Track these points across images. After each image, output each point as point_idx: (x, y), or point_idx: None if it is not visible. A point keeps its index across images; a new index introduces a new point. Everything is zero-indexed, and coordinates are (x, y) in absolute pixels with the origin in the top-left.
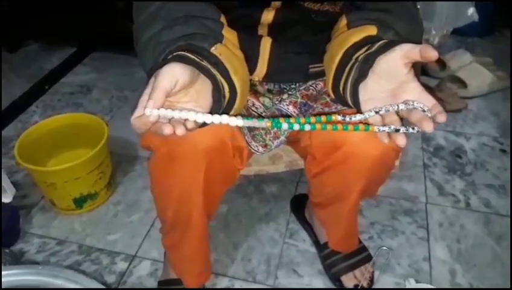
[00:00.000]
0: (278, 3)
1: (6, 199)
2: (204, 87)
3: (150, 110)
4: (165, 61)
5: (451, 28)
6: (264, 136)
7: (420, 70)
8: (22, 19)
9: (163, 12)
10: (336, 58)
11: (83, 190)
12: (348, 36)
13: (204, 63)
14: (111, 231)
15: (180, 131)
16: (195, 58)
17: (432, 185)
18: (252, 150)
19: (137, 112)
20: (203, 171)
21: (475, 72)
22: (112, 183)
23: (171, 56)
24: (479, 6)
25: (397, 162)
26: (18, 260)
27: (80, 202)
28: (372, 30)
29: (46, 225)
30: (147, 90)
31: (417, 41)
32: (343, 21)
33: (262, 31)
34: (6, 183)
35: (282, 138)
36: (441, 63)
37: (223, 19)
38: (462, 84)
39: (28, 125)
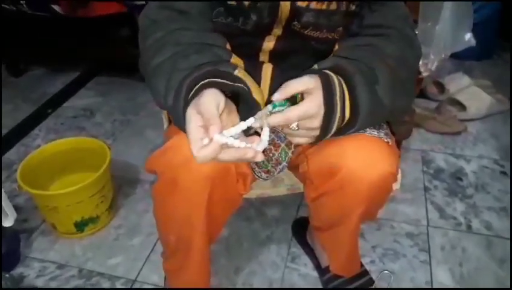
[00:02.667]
0: (278, 31)
1: (8, 223)
2: (231, 108)
3: (219, 136)
4: (199, 90)
5: (449, 53)
6: (266, 163)
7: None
8: (27, 44)
9: (171, 39)
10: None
11: (84, 214)
12: None
13: (235, 84)
14: (112, 255)
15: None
16: (227, 82)
17: (433, 207)
18: (256, 176)
19: (197, 145)
20: (206, 197)
21: (474, 95)
22: (113, 206)
23: (201, 84)
24: (477, 30)
25: (397, 185)
26: (18, 284)
27: (81, 226)
28: (314, 68)
29: (46, 249)
30: (194, 124)
31: (410, 65)
32: (336, 47)
33: (264, 57)
34: (8, 207)
35: (284, 163)
36: (440, 86)
37: (228, 46)
38: (461, 107)
39: (31, 149)
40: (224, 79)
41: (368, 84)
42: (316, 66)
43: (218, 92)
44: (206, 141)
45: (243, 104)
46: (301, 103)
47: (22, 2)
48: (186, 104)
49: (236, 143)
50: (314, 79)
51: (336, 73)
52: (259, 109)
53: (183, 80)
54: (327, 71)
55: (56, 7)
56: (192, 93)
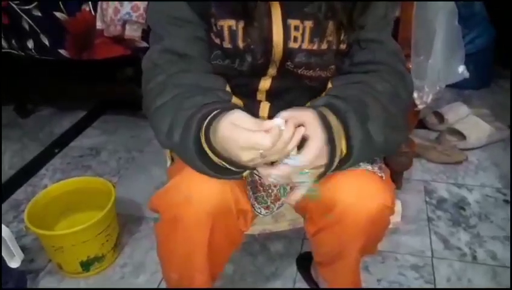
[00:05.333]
0: (273, 72)
1: (15, 264)
2: None
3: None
4: (209, 123)
5: (443, 86)
6: (265, 198)
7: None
8: (34, 86)
9: (172, 82)
10: None
11: (90, 253)
12: None
13: None
14: None
15: None
16: None
17: (437, 238)
18: (256, 212)
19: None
20: (207, 234)
21: (473, 124)
22: (118, 245)
23: (214, 114)
24: (474, 59)
25: (398, 217)
26: None
27: (87, 265)
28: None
29: None
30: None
31: (402, 100)
32: (329, 85)
33: (261, 96)
34: (14, 248)
35: (283, 198)
36: (439, 116)
37: (228, 88)
38: (461, 136)
39: (38, 188)
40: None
41: (359, 121)
42: (309, 104)
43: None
44: (267, 125)
45: None
46: (308, 147)
47: (30, 47)
48: (197, 138)
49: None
50: (313, 114)
51: (329, 110)
52: None
53: (192, 116)
54: (322, 109)
55: (63, 51)
56: (204, 126)
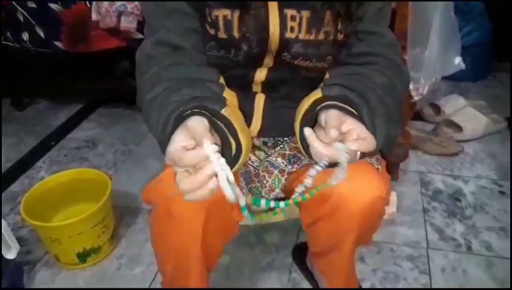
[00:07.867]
0: (269, 62)
1: (11, 256)
2: (217, 141)
3: (209, 144)
4: (186, 115)
5: (439, 77)
6: (260, 189)
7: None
8: (31, 78)
9: (166, 74)
10: (296, 126)
11: (86, 245)
12: (301, 106)
13: (219, 123)
14: (114, 286)
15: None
16: (212, 117)
17: (433, 229)
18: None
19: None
20: (201, 225)
21: (469, 116)
22: (114, 236)
23: (189, 112)
24: (471, 52)
25: (393, 208)
26: None
27: (83, 257)
28: (317, 94)
29: (49, 281)
30: (180, 137)
31: (398, 93)
32: (326, 75)
33: (256, 88)
34: (11, 239)
35: (277, 190)
36: (436, 108)
37: (222, 80)
38: (458, 128)
39: (35, 181)
40: (211, 115)
41: (370, 116)
42: (319, 92)
43: (204, 119)
44: (192, 144)
45: (222, 143)
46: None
47: (25, 39)
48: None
49: (216, 159)
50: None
51: (343, 103)
52: (240, 149)
53: (170, 114)
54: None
55: (58, 43)
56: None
